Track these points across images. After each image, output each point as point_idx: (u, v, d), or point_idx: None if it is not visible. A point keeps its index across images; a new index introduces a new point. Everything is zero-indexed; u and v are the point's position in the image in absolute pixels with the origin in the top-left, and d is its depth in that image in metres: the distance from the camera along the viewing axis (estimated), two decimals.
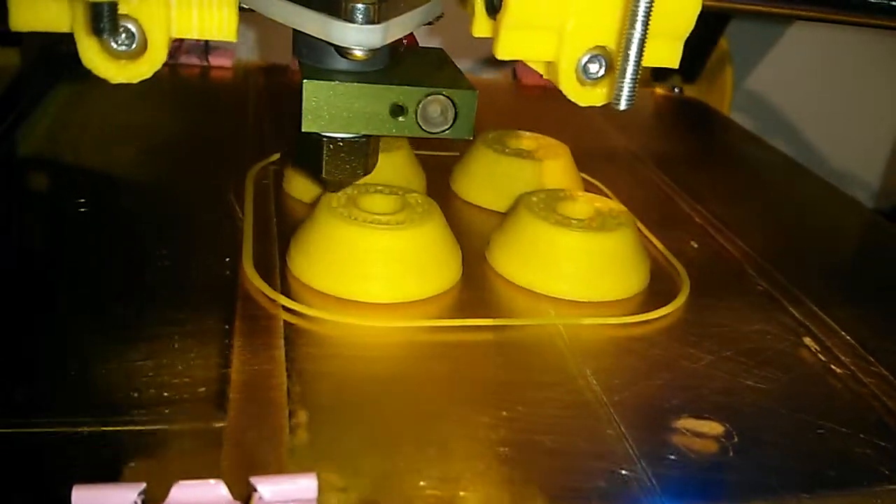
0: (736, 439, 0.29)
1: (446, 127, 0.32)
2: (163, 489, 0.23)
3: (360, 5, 0.29)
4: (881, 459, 0.29)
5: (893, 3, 0.32)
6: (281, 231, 0.39)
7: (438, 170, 0.47)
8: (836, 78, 0.88)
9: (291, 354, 0.31)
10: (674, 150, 0.63)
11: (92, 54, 0.27)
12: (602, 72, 0.30)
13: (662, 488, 0.26)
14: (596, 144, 0.59)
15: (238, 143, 0.50)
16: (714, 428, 0.30)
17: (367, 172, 0.35)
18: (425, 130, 0.32)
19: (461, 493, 0.25)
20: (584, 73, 0.30)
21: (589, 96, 0.31)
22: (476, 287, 0.37)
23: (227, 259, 0.37)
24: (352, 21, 0.29)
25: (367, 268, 0.35)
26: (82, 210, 0.40)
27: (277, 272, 0.36)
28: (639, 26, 0.27)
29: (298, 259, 0.36)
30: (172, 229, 0.40)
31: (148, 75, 0.27)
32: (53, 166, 0.47)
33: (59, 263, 0.36)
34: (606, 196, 0.47)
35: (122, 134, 0.50)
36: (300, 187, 0.43)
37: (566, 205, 0.39)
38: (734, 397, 0.31)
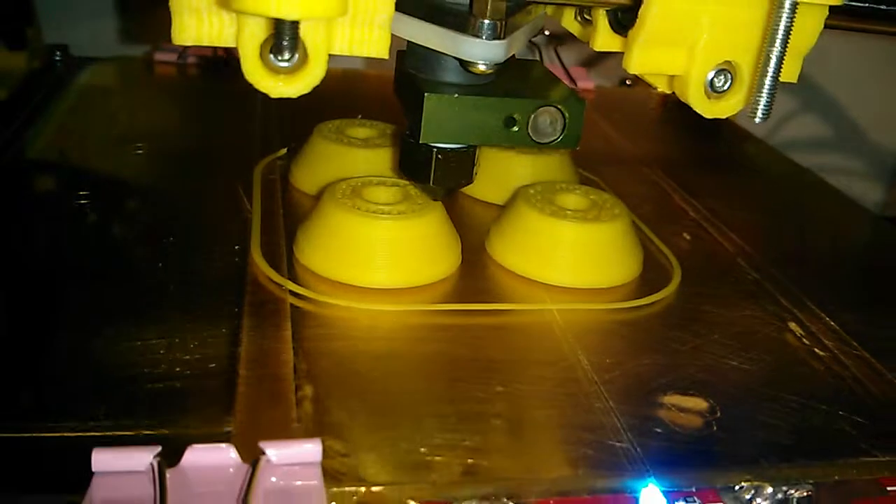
0: (719, 414, 0.31)
1: (555, 137, 0.34)
2: (177, 453, 0.24)
3: (487, 21, 0.31)
4: (859, 434, 0.31)
5: (893, 8, 0.33)
6: (287, 221, 0.41)
7: None
8: (841, 81, 0.88)
9: (298, 335, 0.32)
10: (674, 150, 0.64)
11: (255, 69, 0.27)
12: (728, 85, 0.32)
13: (648, 457, 0.28)
14: (596, 143, 0.60)
15: (246, 139, 0.52)
16: (698, 403, 0.31)
17: (470, 181, 0.36)
18: (535, 141, 0.34)
19: (458, 461, 0.27)
20: (710, 87, 0.32)
21: (714, 108, 0.32)
22: (475, 275, 0.39)
23: (237, 247, 0.38)
24: (479, 36, 0.31)
25: (370, 255, 0.36)
26: (93, 203, 0.42)
27: (284, 260, 0.38)
28: (778, 44, 0.28)
29: (305, 247, 0.37)
30: (184, 221, 0.41)
31: (307, 90, 0.28)
32: (64, 161, 0.49)
33: (69, 256, 0.38)
34: (602, 190, 0.49)
35: (132, 132, 0.52)
36: (306, 180, 0.44)
37: (562, 197, 0.41)
38: (719, 376, 0.33)
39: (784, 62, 0.29)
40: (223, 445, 0.25)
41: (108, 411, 0.27)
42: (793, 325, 0.37)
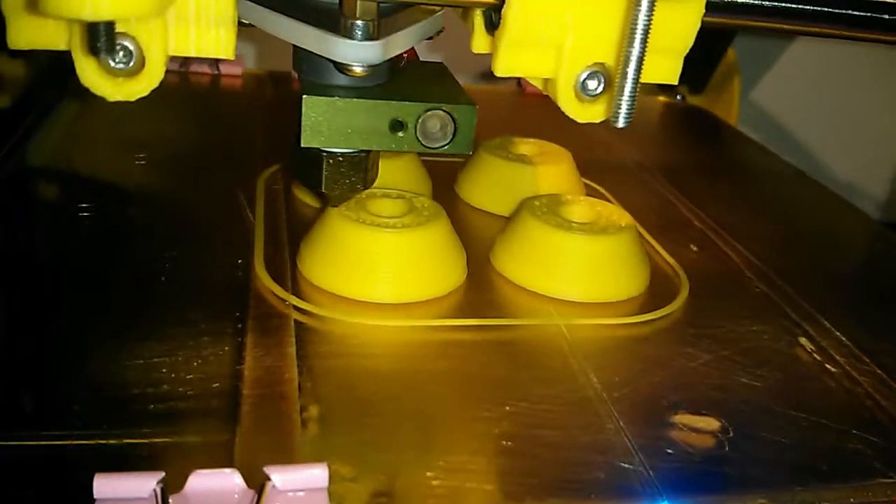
0: (731, 434, 0.30)
1: (446, 142, 0.33)
2: (180, 478, 0.24)
3: (359, 22, 0.29)
4: (873, 454, 0.30)
5: (894, 18, 0.32)
6: (291, 233, 0.40)
7: (444, 175, 0.48)
8: (843, 89, 0.88)
9: (302, 352, 0.32)
10: (677, 157, 0.64)
11: (89, 72, 0.27)
12: (601, 88, 0.30)
13: (660, 480, 0.27)
14: (599, 152, 0.60)
15: (248, 148, 0.51)
16: (710, 423, 0.31)
17: (366, 186, 0.35)
18: (424, 145, 0.33)
19: (466, 485, 0.26)
20: (582, 90, 0.30)
21: (588, 113, 0.31)
22: (480, 288, 0.38)
23: (240, 261, 0.38)
24: (351, 38, 0.30)
25: (375, 269, 0.36)
26: (94, 213, 0.41)
27: (288, 273, 0.37)
28: (637, 44, 0.26)
29: (308, 260, 0.37)
30: (185, 232, 0.41)
31: (145, 93, 0.27)
32: (66, 170, 0.48)
33: (73, 268, 0.37)
34: (608, 201, 0.48)
35: (134, 141, 0.51)
36: (309, 192, 0.44)
37: (568, 208, 0.40)
38: (730, 394, 0.32)
39: (659, 62, 0.29)
40: (227, 471, 0.24)
41: (109, 431, 0.27)
42: (803, 340, 0.37)
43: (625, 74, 0.27)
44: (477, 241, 0.42)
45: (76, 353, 0.31)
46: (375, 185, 0.40)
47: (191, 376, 0.30)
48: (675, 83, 0.31)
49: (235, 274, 0.37)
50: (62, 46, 0.27)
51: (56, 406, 0.28)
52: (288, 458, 0.26)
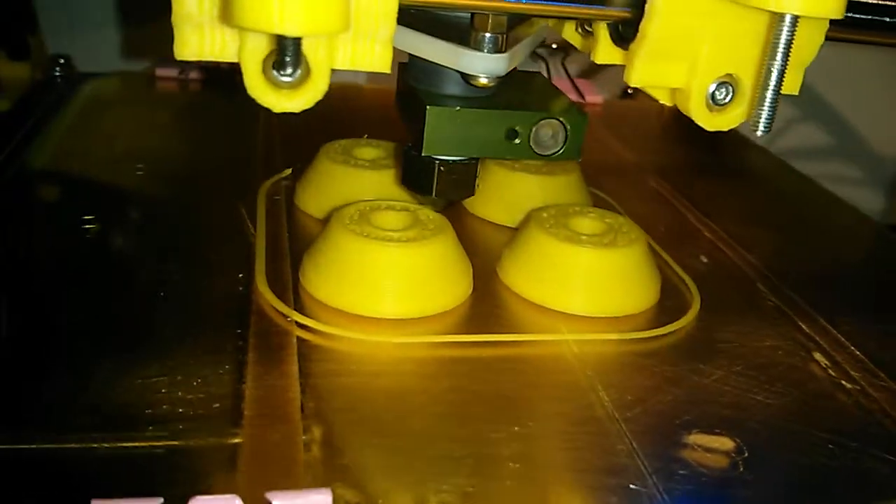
0: (746, 454, 0.29)
1: (557, 149, 0.34)
2: (180, 503, 0.23)
3: (488, 35, 0.31)
4: (891, 474, 0.29)
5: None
6: (293, 247, 0.40)
7: None
8: (846, 91, 0.88)
9: (305, 370, 0.31)
10: (682, 162, 0.63)
11: (257, 84, 0.27)
12: (729, 98, 0.31)
13: (674, 503, 0.26)
14: (604, 158, 0.59)
15: (249, 157, 0.50)
16: (724, 443, 0.30)
17: (472, 193, 0.36)
18: (536, 153, 0.34)
19: None
20: (712, 100, 0.31)
21: (716, 121, 0.32)
22: (487, 302, 0.38)
23: (241, 275, 0.37)
24: (480, 50, 0.31)
25: (380, 283, 0.35)
26: (93, 227, 0.40)
27: (290, 288, 0.36)
28: (780, 57, 0.28)
29: (311, 275, 0.36)
30: (185, 246, 0.40)
31: (310, 105, 0.28)
32: (64, 183, 0.48)
33: (71, 280, 0.36)
34: (616, 211, 0.48)
35: (132, 151, 0.51)
36: (312, 203, 0.43)
37: (576, 220, 0.40)
38: (744, 412, 0.32)
39: (789, 74, 0.29)
40: (229, 497, 0.24)
41: (108, 451, 0.26)
42: (818, 356, 0.36)
43: (766, 86, 0.29)
44: (483, 253, 0.41)
45: (72, 372, 0.30)
46: (379, 196, 0.40)
47: (191, 396, 0.29)
48: (796, 93, 0.33)
49: (236, 289, 0.36)
50: (231, 58, 0.28)
51: (52, 423, 0.27)
52: (291, 482, 0.26)
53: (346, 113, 0.58)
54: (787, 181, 0.62)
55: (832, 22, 0.31)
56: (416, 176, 0.35)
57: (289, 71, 0.27)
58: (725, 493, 0.28)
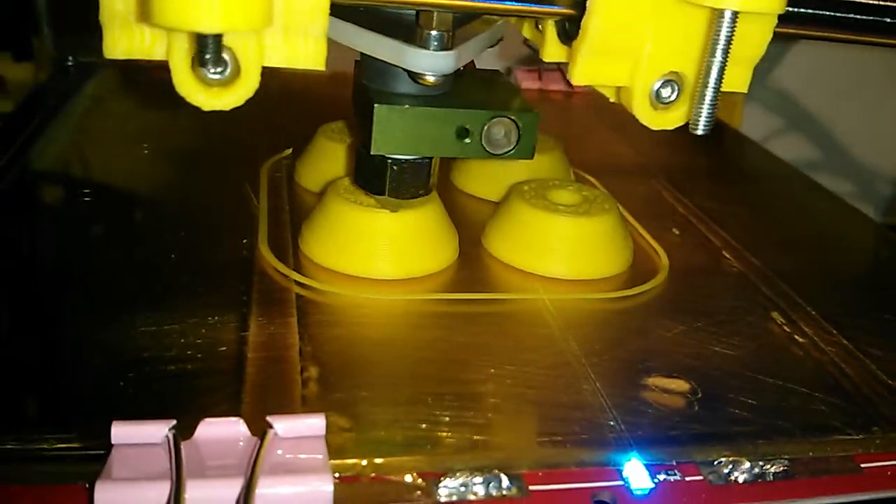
0: (700, 395, 0.32)
1: (509, 148, 0.34)
2: (191, 426, 0.26)
3: (434, 32, 0.31)
4: (834, 415, 0.32)
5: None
6: (293, 217, 0.43)
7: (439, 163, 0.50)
8: (845, 91, 0.89)
9: (303, 321, 0.34)
10: (676, 156, 0.65)
11: (186, 82, 0.27)
12: (674, 96, 0.31)
13: (632, 434, 0.30)
14: (590, 142, 0.62)
15: (252, 139, 0.53)
16: (681, 385, 0.33)
17: (428, 192, 0.36)
18: (488, 152, 0.34)
19: (454, 434, 0.29)
20: (657, 98, 0.31)
21: (661, 120, 0.32)
22: (472, 266, 0.41)
23: (245, 241, 0.40)
24: (426, 48, 0.31)
25: (371, 247, 0.38)
26: (103, 203, 0.44)
27: (290, 252, 0.39)
28: (719, 54, 0.28)
29: (309, 240, 0.39)
30: (194, 217, 0.43)
31: (240, 103, 0.28)
32: (73, 166, 0.51)
33: (85, 250, 0.39)
34: (593, 186, 0.51)
35: (140, 135, 0.54)
36: (310, 178, 0.46)
37: (555, 193, 0.43)
38: (702, 361, 0.35)
39: (733, 71, 0.29)
40: (233, 419, 0.27)
41: (125, 388, 0.29)
42: (775, 314, 0.39)
43: (706, 83, 0.28)
44: (469, 224, 0.44)
45: (91, 323, 0.33)
46: None
47: (199, 341, 0.32)
48: (745, 91, 0.32)
49: (240, 253, 0.39)
50: (159, 56, 0.27)
51: (73, 364, 0.31)
52: (289, 411, 0.29)
53: (341, 99, 0.61)
54: (777, 175, 0.63)
55: (828, 23, 0.32)
56: (369, 175, 0.35)
57: (212, 68, 0.26)
58: (680, 426, 0.31)
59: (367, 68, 0.34)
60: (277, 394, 0.30)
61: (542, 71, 0.73)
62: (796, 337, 0.37)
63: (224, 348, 0.32)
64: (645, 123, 0.32)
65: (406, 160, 0.35)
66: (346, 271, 0.38)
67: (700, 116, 0.29)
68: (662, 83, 0.31)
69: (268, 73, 0.64)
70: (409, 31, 0.31)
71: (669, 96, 0.31)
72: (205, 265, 0.38)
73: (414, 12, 0.31)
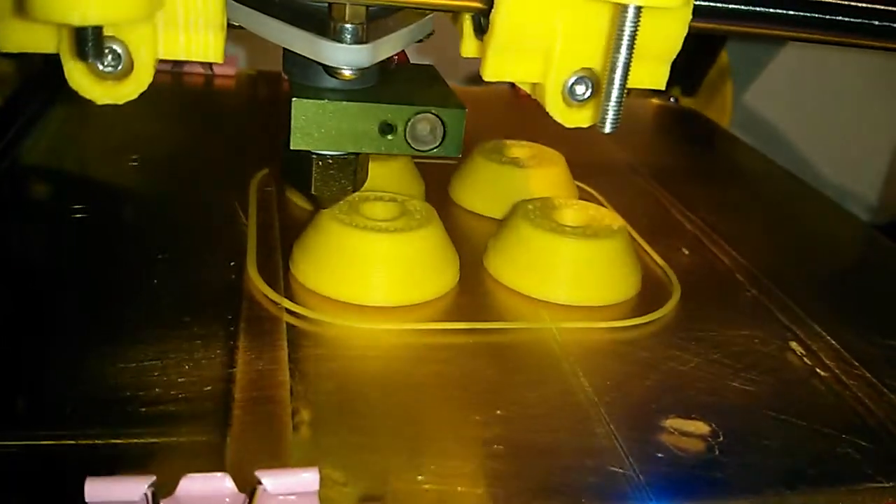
0: (722, 438, 0.30)
1: (435, 145, 0.33)
2: (171, 481, 0.24)
3: (348, 25, 0.30)
4: (863, 459, 0.30)
5: (885, 24, 0.33)
6: (284, 236, 0.40)
7: (437, 178, 0.48)
8: (835, 92, 0.89)
9: (294, 355, 0.32)
10: (670, 160, 0.64)
11: (78, 76, 0.27)
12: (588, 93, 0.30)
13: (650, 485, 0.27)
14: (592, 155, 0.60)
15: (242, 150, 0.51)
16: (700, 427, 0.31)
17: (356, 189, 0.35)
18: (414, 148, 0.33)
19: (457, 489, 0.26)
20: (570, 95, 0.30)
21: (575, 118, 0.31)
22: (473, 291, 0.38)
23: (232, 263, 0.38)
24: (340, 41, 0.30)
25: (368, 272, 0.36)
26: (86, 216, 0.41)
27: (281, 276, 0.37)
28: (623, 50, 0.26)
29: (301, 263, 0.37)
30: (178, 235, 0.41)
31: (134, 96, 0.27)
32: (57, 176, 0.48)
33: (65, 270, 0.37)
34: (600, 204, 0.49)
35: (127, 142, 0.51)
36: (301, 194, 0.44)
37: (561, 212, 0.41)
38: (720, 398, 0.33)
39: (647, 68, 0.29)
40: (219, 475, 0.24)
41: (101, 434, 0.27)
42: (794, 344, 0.37)
43: (612, 80, 0.27)
44: (470, 244, 0.42)
45: (68, 355, 0.31)
46: (368, 187, 0.40)
47: (182, 379, 0.30)
48: (663, 89, 0.31)
49: (228, 277, 0.37)
50: (51, 49, 0.27)
51: (47, 408, 0.28)
52: (279, 461, 0.26)
53: None
54: (773, 179, 0.63)
55: (820, 25, 0.31)
56: (295, 172, 0.34)
57: (94, 61, 0.26)
58: (701, 476, 0.28)
59: (289, 61, 0.33)
60: (267, 440, 0.27)
61: None
62: (817, 370, 0.35)
63: (209, 387, 0.30)
64: (559, 121, 0.31)
65: (331, 156, 0.34)
66: (339, 298, 0.36)
67: (607, 114, 0.28)
68: (576, 80, 0.30)
69: (257, 77, 0.61)
70: (321, 23, 0.30)
71: (584, 93, 0.30)
72: (189, 291, 0.36)
73: (327, 5, 0.30)
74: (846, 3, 0.32)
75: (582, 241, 0.38)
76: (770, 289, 0.42)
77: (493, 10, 0.28)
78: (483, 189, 0.46)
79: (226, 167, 0.49)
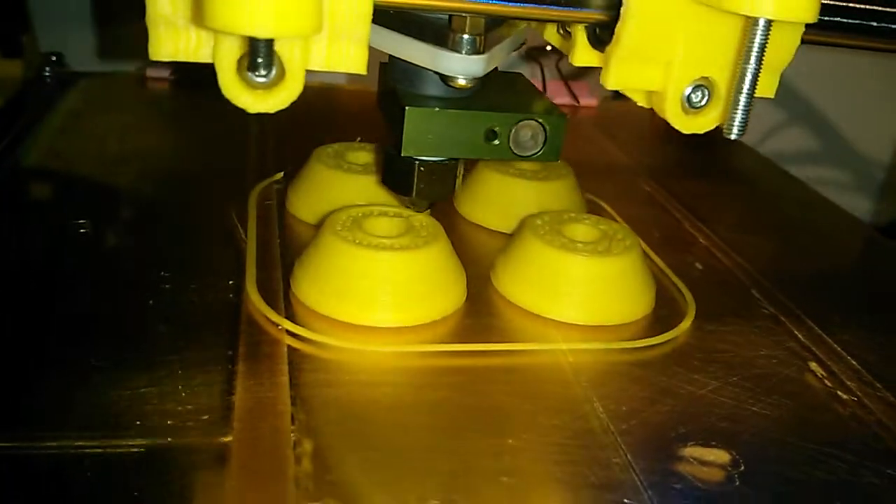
0: (742, 468, 0.29)
1: (536, 151, 0.34)
2: None
3: (466, 36, 0.31)
4: (888, 487, 0.29)
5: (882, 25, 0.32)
6: (285, 253, 0.39)
7: None
8: (835, 90, 0.88)
9: (295, 380, 0.31)
10: (675, 167, 0.63)
11: (232, 85, 0.27)
12: (705, 101, 0.31)
13: None
14: (599, 162, 0.59)
15: (241, 162, 0.50)
16: (720, 456, 0.29)
17: (452, 193, 0.36)
18: (516, 154, 0.34)
19: None
20: (688, 103, 0.31)
21: (692, 124, 0.32)
22: (481, 311, 0.37)
23: (231, 282, 0.36)
24: (458, 51, 0.31)
25: (372, 292, 0.34)
26: (82, 230, 0.40)
27: (281, 295, 0.36)
28: (753, 61, 0.28)
29: (303, 282, 0.36)
30: (175, 251, 0.39)
31: (285, 105, 0.28)
32: (54, 184, 0.47)
33: (60, 285, 0.36)
34: (611, 217, 0.47)
35: (125, 152, 0.50)
36: (304, 208, 0.43)
37: (571, 227, 0.39)
38: (740, 424, 0.31)
39: (762, 78, 0.29)
40: None
41: (96, 463, 0.26)
42: (813, 366, 0.36)
43: (740, 89, 0.29)
44: (477, 259, 0.40)
45: (59, 384, 0.29)
46: (371, 200, 0.39)
47: (179, 408, 0.28)
48: (772, 97, 0.33)
49: (226, 296, 0.36)
50: (205, 59, 0.27)
51: (40, 437, 0.27)
52: (281, 496, 0.25)
53: (334, 115, 0.58)
54: (781, 186, 0.61)
55: (819, 26, 0.31)
56: (397, 176, 0.36)
57: (263, 72, 0.27)
58: None
59: (396, 70, 0.34)
60: (268, 475, 0.26)
61: (546, 81, 0.69)
62: (839, 393, 0.34)
63: (207, 417, 0.28)
64: (677, 127, 0.32)
65: (433, 161, 0.35)
66: (342, 318, 0.34)
67: (734, 121, 0.29)
68: (693, 88, 0.31)
69: None
70: (439, 34, 0.32)
71: (700, 101, 0.32)
72: (187, 313, 0.34)
73: (445, 16, 0.32)
74: (845, 4, 0.32)
75: (594, 258, 0.37)
76: (786, 305, 0.40)
77: (619, 22, 0.30)
78: (490, 202, 0.45)
79: (224, 179, 0.47)
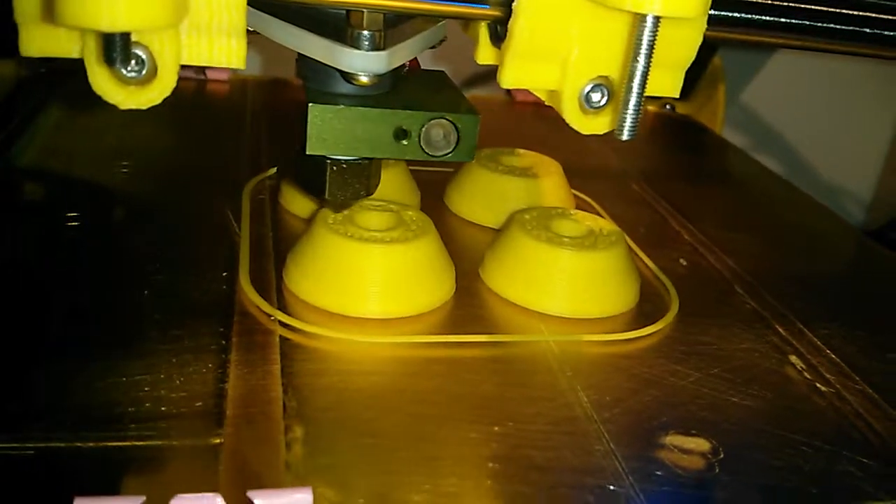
0: (722, 455, 0.30)
1: (448, 150, 0.33)
2: (162, 501, 0.23)
3: (365, 32, 0.30)
4: (864, 477, 0.30)
5: (877, 32, 0.33)
6: (277, 246, 0.40)
7: (433, 186, 0.47)
8: (827, 95, 0.89)
9: (287, 370, 0.31)
10: (665, 168, 0.64)
11: (102, 80, 0.27)
12: (604, 101, 0.30)
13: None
14: (588, 162, 0.59)
15: (234, 157, 0.50)
16: (701, 444, 0.30)
17: (369, 193, 0.35)
18: (427, 154, 0.33)
19: None
20: (586, 102, 0.30)
21: (591, 125, 0.31)
22: (469, 303, 0.38)
23: (224, 274, 0.37)
24: (357, 47, 0.30)
25: (363, 283, 0.35)
26: (77, 224, 0.40)
27: (274, 288, 0.37)
28: (642, 58, 0.27)
29: (295, 275, 0.36)
30: (169, 245, 0.40)
31: (158, 101, 0.27)
32: (49, 181, 0.48)
33: (54, 279, 0.36)
34: (598, 214, 0.48)
35: (119, 148, 0.51)
36: (297, 202, 0.43)
37: (558, 223, 0.40)
38: (720, 414, 0.32)
39: (662, 77, 0.29)
40: (209, 495, 0.24)
41: (90, 450, 0.26)
42: (794, 359, 0.37)
43: (630, 88, 0.27)
44: (466, 253, 0.41)
45: (54, 372, 0.30)
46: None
47: (173, 395, 0.29)
48: (677, 97, 0.32)
49: (220, 288, 0.36)
50: (75, 54, 0.27)
51: (35, 424, 0.27)
52: (272, 481, 0.26)
53: None
54: (771, 188, 0.62)
55: (817, 33, 0.31)
56: (309, 177, 0.35)
57: (133, 67, 0.26)
58: (701, 494, 0.28)
59: (304, 66, 0.33)
60: (259, 459, 0.27)
61: None
62: (818, 385, 0.35)
63: (200, 404, 0.29)
64: (575, 127, 0.31)
65: (346, 160, 0.34)
66: (333, 310, 0.35)
67: (625, 122, 0.28)
68: (592, 87, 0.30)
69: (250, 83, 0.61)
70: (339, 29, 0.31)
71: (600, 101, 0.31)
72: (181, 303, 0.35)
73: (345, 12, 0.31)
74: (841, 11, 0.32)
75: (580, 252, 0.37)
76: (768, 300, 0.41)
77: (511, 19, 0.29)
78: (479, 198, 0.46)
79: (218, 174, 0.48)
